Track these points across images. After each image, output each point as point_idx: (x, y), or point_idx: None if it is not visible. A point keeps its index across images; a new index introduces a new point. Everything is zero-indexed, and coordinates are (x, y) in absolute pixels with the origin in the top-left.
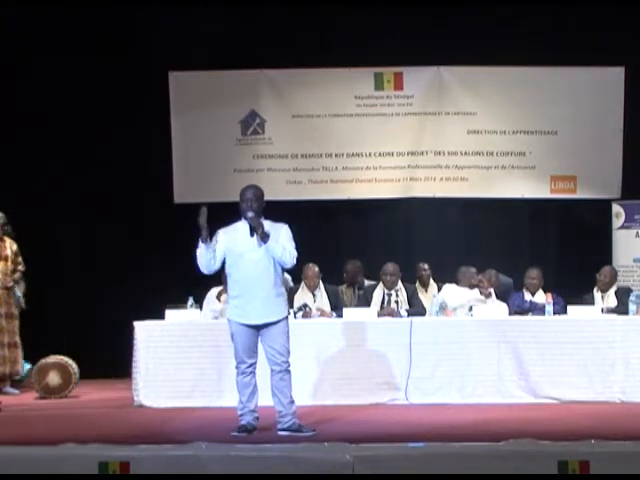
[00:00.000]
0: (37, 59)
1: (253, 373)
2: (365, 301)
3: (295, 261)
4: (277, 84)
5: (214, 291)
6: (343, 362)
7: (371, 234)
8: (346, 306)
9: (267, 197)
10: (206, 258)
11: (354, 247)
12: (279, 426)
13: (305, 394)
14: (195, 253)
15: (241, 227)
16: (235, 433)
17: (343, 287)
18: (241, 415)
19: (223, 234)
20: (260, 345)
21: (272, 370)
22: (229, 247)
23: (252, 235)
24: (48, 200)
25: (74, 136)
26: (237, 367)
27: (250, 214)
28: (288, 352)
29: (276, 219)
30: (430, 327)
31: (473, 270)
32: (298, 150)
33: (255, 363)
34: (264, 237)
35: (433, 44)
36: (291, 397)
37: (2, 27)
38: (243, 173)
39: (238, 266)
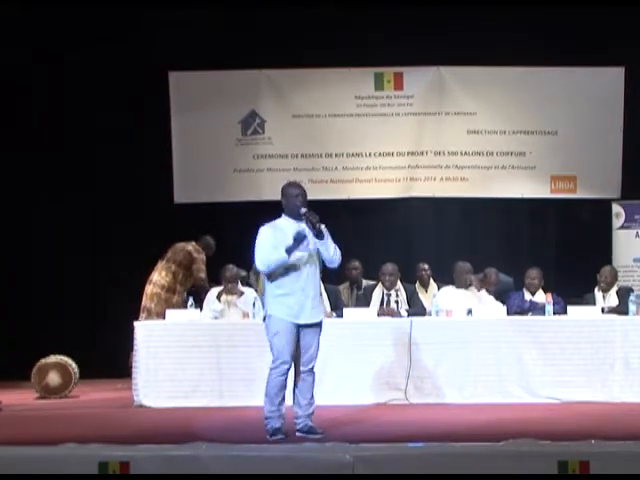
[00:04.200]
0: (36, 59)
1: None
2: (365, 301)
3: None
4: (277, 84)
5: (214, 291)
6: (343, 362)
7: (371, 234)
8: (345, 306)
9: (267, 197)
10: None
11: (354, 247)
12: (296, 426)
13: None
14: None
15: (284, 224)
16: (273, 437)
17: (342, 287)
18: (271, 418)
19: (272, 233)
20: None
21: (304, 367)
22: (278, 245)
23: (314, 232)
24: (48, 200)
25: (74, 137)
26: (277, 367)
27: (304, 210)
28: (318, 354)
29: (276, 219)
30: (430, 327)
31: (468, 266)
32: (298, 150)
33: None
34: (321, 233)
35: (433, 44)
36: (310, 399)
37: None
38: (243, 173)
39: (289, 265)
